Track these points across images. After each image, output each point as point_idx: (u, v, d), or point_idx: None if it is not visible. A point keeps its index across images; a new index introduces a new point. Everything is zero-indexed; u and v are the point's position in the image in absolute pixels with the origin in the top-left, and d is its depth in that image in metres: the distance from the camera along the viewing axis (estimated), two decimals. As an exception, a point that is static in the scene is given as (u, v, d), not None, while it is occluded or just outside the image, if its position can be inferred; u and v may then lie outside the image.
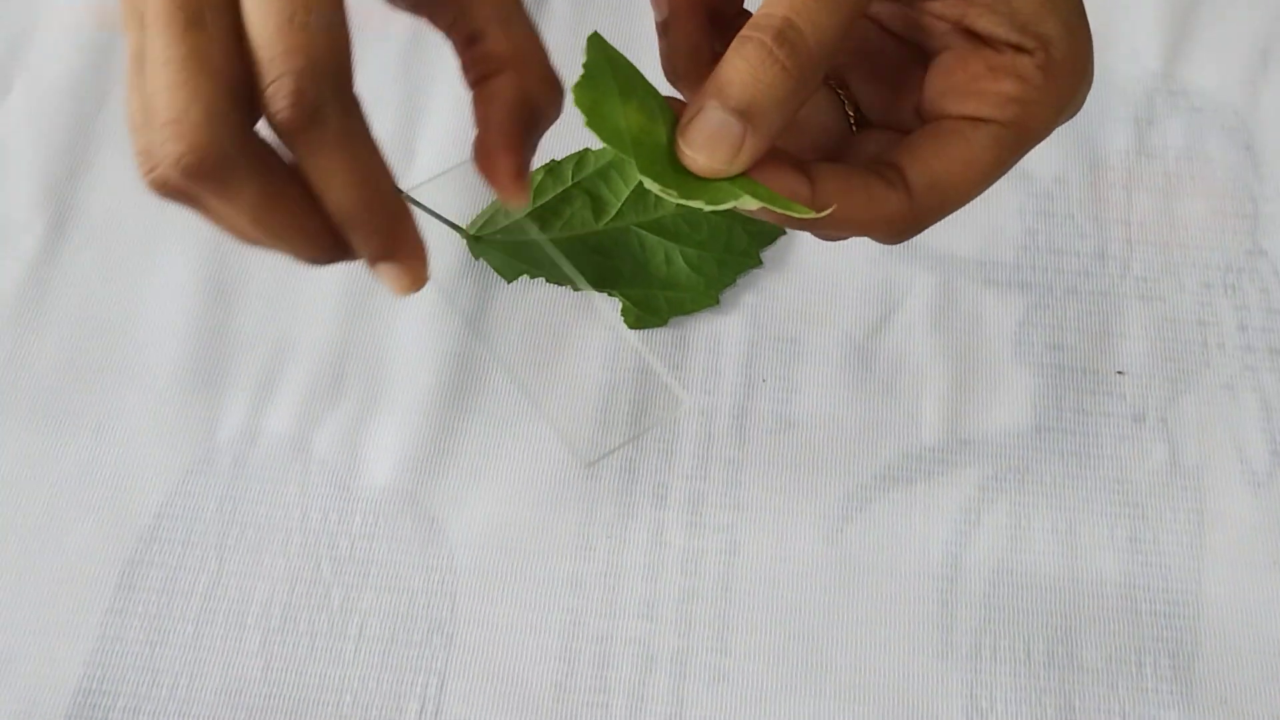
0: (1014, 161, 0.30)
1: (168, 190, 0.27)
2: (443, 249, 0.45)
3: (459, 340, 0.44)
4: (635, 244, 0.46)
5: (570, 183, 0.47)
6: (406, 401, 0.43)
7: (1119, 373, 0.44)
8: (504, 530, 0.41)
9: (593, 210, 0.46)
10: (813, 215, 0.28)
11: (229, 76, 0.26)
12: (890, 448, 0.43)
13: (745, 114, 0.28)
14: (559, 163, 0.47)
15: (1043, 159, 0.48)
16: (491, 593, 0.40)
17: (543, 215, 0.46)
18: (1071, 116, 0.31)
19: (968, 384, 0.44)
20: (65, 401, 0.43)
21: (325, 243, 0.28)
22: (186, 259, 0.45)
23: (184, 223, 0.45)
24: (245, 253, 0.45)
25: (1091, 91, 0.50)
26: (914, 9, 0.31)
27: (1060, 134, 0.48)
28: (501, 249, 0.45)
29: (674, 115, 0.30)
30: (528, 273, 0.45)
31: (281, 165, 0.27)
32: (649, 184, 0.28)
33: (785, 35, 0.27)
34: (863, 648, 0.40)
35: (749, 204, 0.28)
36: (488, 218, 0.45)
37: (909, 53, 0.32)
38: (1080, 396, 0.44)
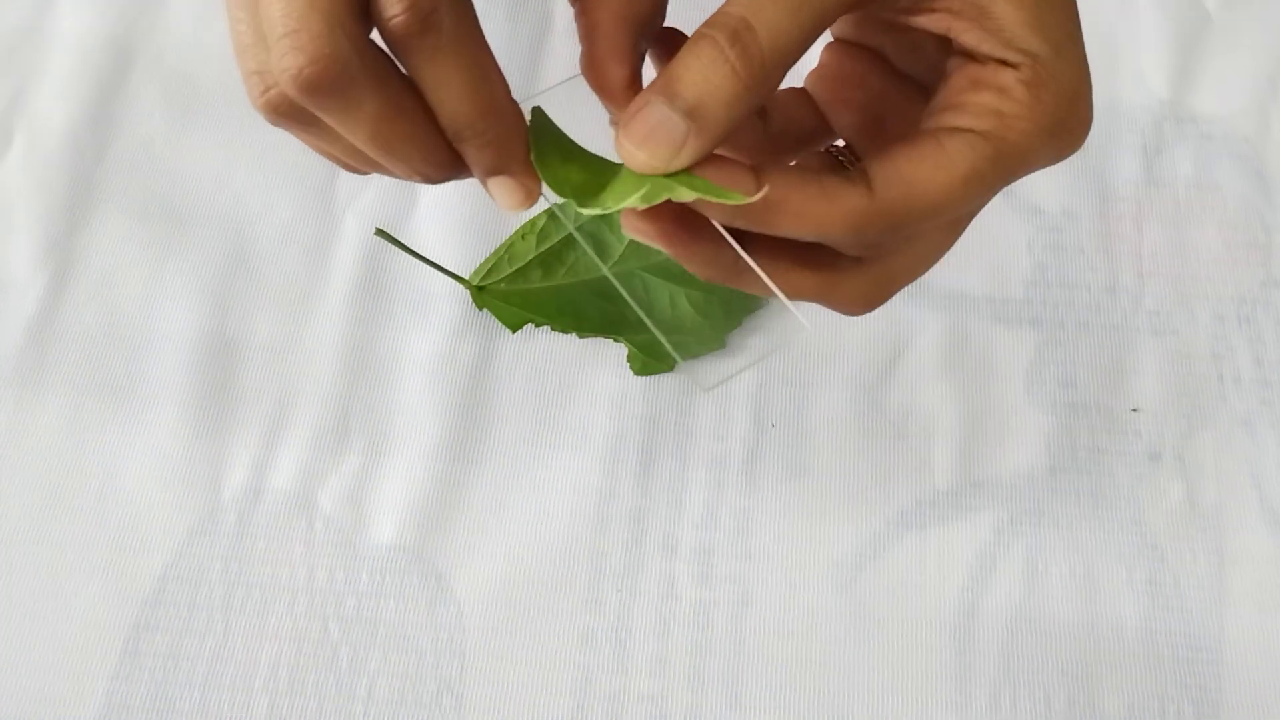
0: (994, 180, 0.29)
1: (283, 111, 0.26)
2: (442, 306, 0.45)
3: (463, 393, 0.43)
4: (640, 288, 0.45)
5: (574, 227, 0.46)
6: (411, 456, 0.42)
7: (1134, 410, 0.44)
8: (512, 586, 0.41)
9: (597, 254, 0.46)
10: (752, 199, 0.27)
11: None
12: (903, 492, 0.42)
13: (690, 113, 0.27)
14: (562, 206, 0.46)
15: (1051, 191, 0.47)
16: (501, 651, 0.40)
17: (547, 260, 0.46)
18: (1070, 149, 0.30)
19: (980, 425, 0.43)
20: (69, 462, 0.42)
21: (441, 158, 0.27)
22: (188, 313, 0.45)
23: (185, 276, 0.45)
24: (246, 306, 0.45)
25: (1098, 120, 0.49)
26: (901, 28, 0.30)
27: (1068, 165, 0.48)
28: (505, 299, 0.45)
29: (616, 168, 0.29)
30: (532, 321, 0.44)
31: (400, 76, 0.26)
32: (585, 211, 0.28)
33: (740, 36, 0.26)
34: (878, 701, 0.39)
35: (684, 195, 0.27)
36: (489, 267, 0.45)
37: (913, 98, 0.32)
38: (1095, 435, 0.43)
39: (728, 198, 0.27)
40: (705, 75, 0.27)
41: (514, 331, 0.44)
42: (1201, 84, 0.50)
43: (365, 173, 0.29)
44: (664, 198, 0.27)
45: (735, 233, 0.29)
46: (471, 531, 0.41)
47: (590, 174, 0.29)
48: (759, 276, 0.30)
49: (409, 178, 0.28)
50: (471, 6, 0.26)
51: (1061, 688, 0.39)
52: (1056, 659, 0.40)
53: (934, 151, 0.28)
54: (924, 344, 0.45)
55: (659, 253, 0.45)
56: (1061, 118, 0.29)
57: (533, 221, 0.46)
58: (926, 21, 0.29)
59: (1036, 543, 0.42)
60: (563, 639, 0.40)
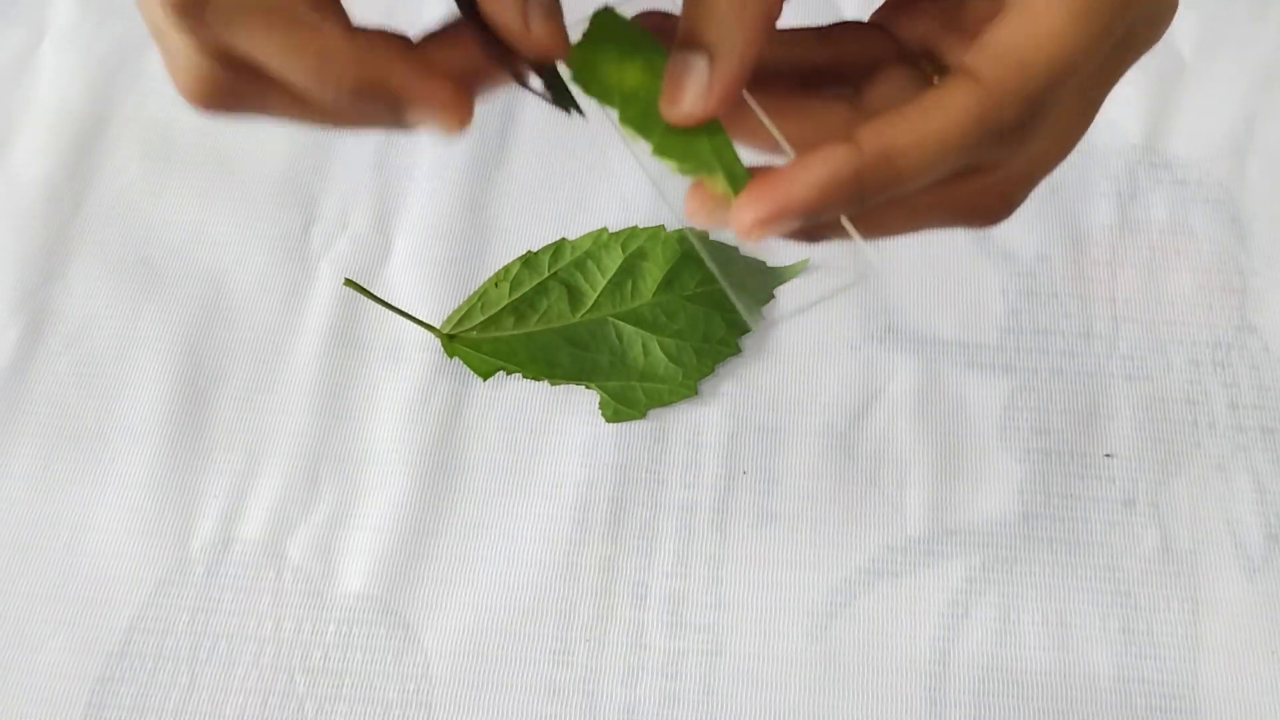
0: (1104, 10, 0.25)
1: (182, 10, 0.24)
2: (414, 354, 0.45)
3: (434, 441, 0.43)
4: (613, 335, 0.45)
5: (547, 274, 0.46)
6: (381, 505, 0.42)
7: (1107, 456, 0.43)
8: (480, 636, 0.40)
9: (569, 302, 0.46)
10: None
11: None
12: (875, 539, 0.42)
13: (703, 45, 0.25)
14: (536, 254, 0.47)
15: (1024, 237, 0.47)
16: (468, 702, 0.39)
17: (519, 308, 0.46)
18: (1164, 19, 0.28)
19: (953, 471, 0.43)
20: (38, 513, 0.42)
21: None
22: (161, 364, 0.45)
23: (159, 326, 0.45)
24: (219, 356, 0.45)
25: (1072, 164, 0.49)
26: None
27: (1041, 209, 0.48)
28: (477, 346, 0.45)
29: None
30: (504, 369, 0.44)
31: None
32: (626, 132, 0.27)
33: None
34: (848, 752, 0.39)
35: (718, 185, 0.26)
36: (462, 315, 0.45)
37: None
38: (1069, 481, 0.43)
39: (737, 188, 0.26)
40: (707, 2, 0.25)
41: (485, 379, 0.44)
42: (1176, 129, 0.50)
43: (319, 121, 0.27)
44: (698, 176, 0.27)
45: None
46: (440, 581, 0.41)
47: (650, 75, 0.27)
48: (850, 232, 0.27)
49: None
50: None
51: (1034, 738, 0.39)
52: (1030, 707, 0.39)
53: (1028, 6, 0.26)
54: (897, 389, 0.45)
55: (633, 300, 0.46)
56: None
57: (506, 269, 0.46)
58: None
59: (1009, 590, 0.41)
60: (531, 690, 0.39)
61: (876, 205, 0.26)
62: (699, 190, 0.27)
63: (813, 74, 0.30)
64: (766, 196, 0.25)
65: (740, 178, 0.27)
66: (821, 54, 0.30)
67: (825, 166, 0.25)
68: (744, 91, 0.27)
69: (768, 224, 0.25)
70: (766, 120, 0.28)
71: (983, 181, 0.28)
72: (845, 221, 0.27)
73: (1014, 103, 0.26)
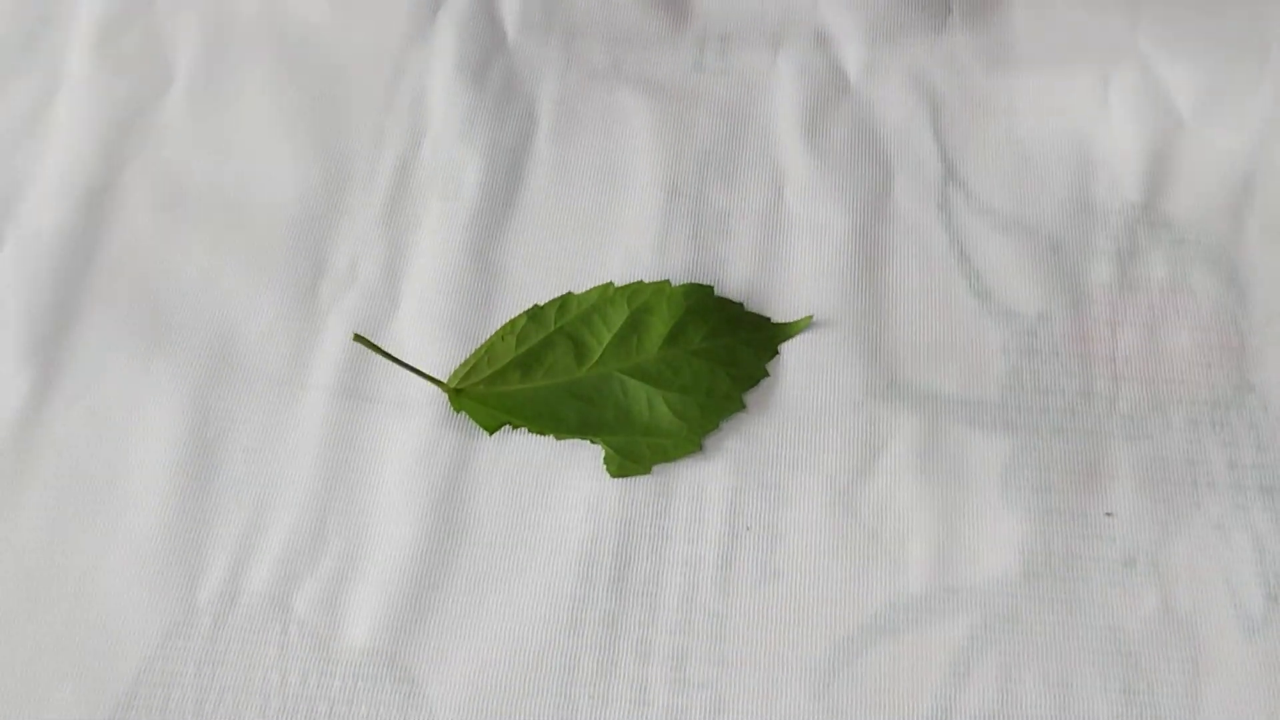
0: None
1: None
2: (421, 407, 0.45)
3: (440, 495, 0.44)
4: (618, 390, 0.46)
5: (553, 328, 0.47)
6: (387, 558, 0.43)
7: (1108, 515, 0.44)
8: (485, 690, 0.40)
9: (575, 356, 0.46)
10: None
11: None
12: (877, 597, 0.42)
13: None
14: (542, 308, 0.47)
15: (1026, 295, 0.48)
16: (471, 758, 0.39)
17: (526, 362, 0.46)
18: None
19: (955, 529, 0.44)
20: (46, 562, 0.42)
21: None
22: (170, 413, 0.45)
23: (169, 376, 0.46)
24: (228, 407, 0.45)
25: (1072, 223, 0.50)
26: None
27: (1042, 268, 0.48)
28: (483, 400, 0.45)
29: None
30: (510, 423, 0.45)
31: None
32: None
33: None
34: (850, 812, 0.39)
35: None
36: (469, 369, 0.46)
37: None
38: (1070, 541, 0.43)
39: None
40: None
41: (491, 434, 0.45)
42: (1175, 188, 0.51)
43: None
44: None
45: None
46: (446, 635, 0.41)
47: None
48: None
49: None
50: None
51: (1035, 800, 0.39)
52: (1031, 769, 0.40)
53: None
54: (899, 447, 0.45)
55: (638, 355, 0.46)
56: None
57: (513, 322, 0.47)
58: None
59: (1011, 649, 0.41)
60: (534, 746, 0.40)
61: None
62: None
63: None
64: None
65: None
66: None
67: None
68: None
69: None
70: None
71: None
72: None
73: None
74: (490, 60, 0.53)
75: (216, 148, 0.51)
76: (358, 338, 0.43)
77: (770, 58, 0.53)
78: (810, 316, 0.47)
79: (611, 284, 0.48)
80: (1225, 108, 0.52)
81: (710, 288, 0.48)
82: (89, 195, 0.49)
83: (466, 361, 0.46)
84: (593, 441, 0.45)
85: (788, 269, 0.49)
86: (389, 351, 0.46)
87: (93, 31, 0.53)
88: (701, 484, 0.44)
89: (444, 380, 0.46)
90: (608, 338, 0.47)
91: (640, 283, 0.48)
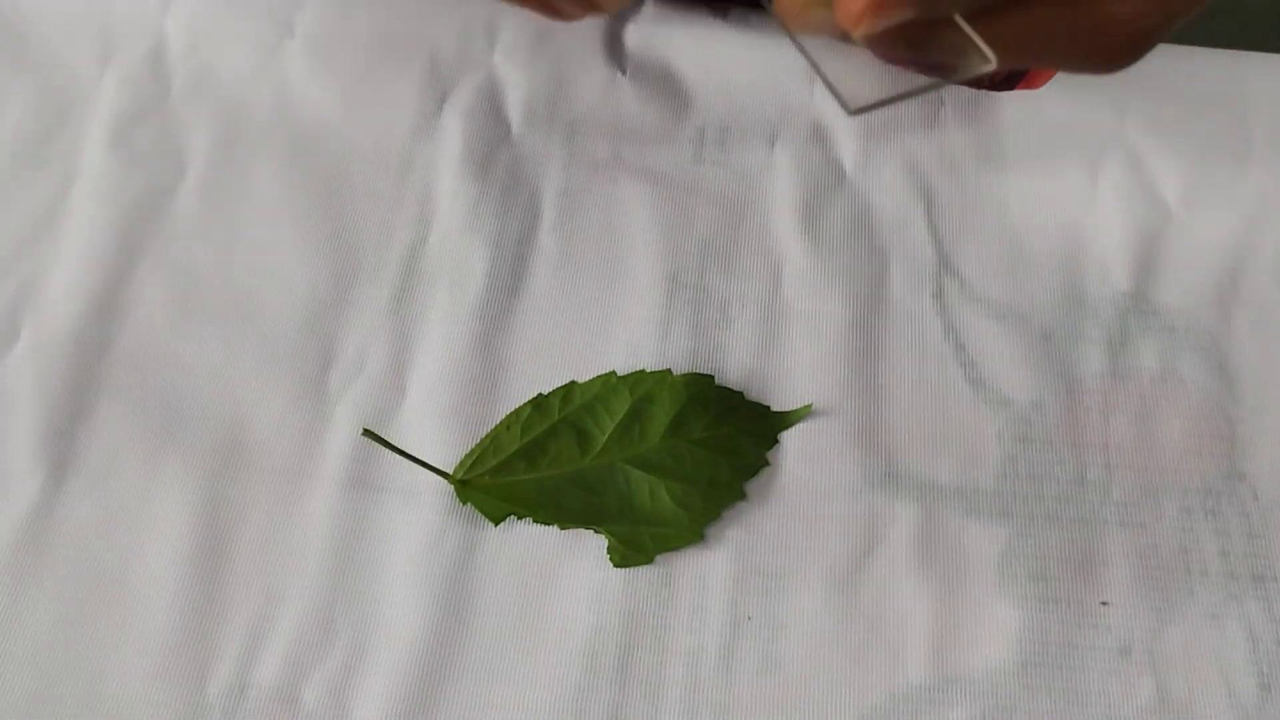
0: None
1: None
2: (428, 497, 0.46)
3: (447, 586, 0.44)
4: (621, 480, 0.47)
5: (557, 417, 0.48)
6: (394, 649, 0.43)
7: (1104, 604, 0.45)
8: (490, 784, 0.41)
9: (579, 445, 0.47)
10: None
11: None
12: (877, 688, 0.43)
13: None
14: (546, 397, 0.48)
15: (1019, 383, 0.49)
16: None
17: (530, 452, 0.47)
18: None
19: (953, 618, 0.44)
20: (59, 656, 0.43)
21: None
22: (182, 507, 0.46)
23: (180, 468, 0.47)
24: (238, 499, 0.46)
25: (1064, 312, 0.51)
26: None
27: (1035, 356, 0.50)
28: (488, 491, 0.46)
29: None
30: (515, 514, 0.46)
31: None
32: None
33: None
34: None
35: None
36: (474, 458, 0.47)
37: None
38: (1066, 630, 0.44)
39: None
40: None
41: (496, 524, 0.46)
42: (1163, 276, 0.52)
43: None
44: None
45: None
46: (451, 728, 0.42)
47: None
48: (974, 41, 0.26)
49: None
50: None
51: None
52: None
53: None
54: (897, 536, 0.46)
55: (640, 444, 0.47)
56: None
57: (517, 412, 0.48)
58: None
59: (1009, 739, 0.42)
60: (539, 839, 0.40)
61: (997, 10, 0.24)
62: None
63: None
64: None
65: None
66: None
67: None
68: None
69: (880, 10, 0.23)
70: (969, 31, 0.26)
71: (1116, 6, 0.26)
72: (960, 21, 0.25)
73: None
74: (495, 153, 0.54)
75: (227, 240, 0.52)
76: (366, 432, 0.44)
77: (768, 150, 0.54)
78: (809, 405, 0.48)
79: (614, 373, 0.49)
80: (1211, 198, 0.54)
81: (711, 377, 0.49)
82: (103, 288, 0.50)
83: (472, 451, 0.47)
84: (597, 531, 0.46)
85: (786, 357, 0.50)
86: (396, 444, 0.47)
87: (109, 125, 0.54)
88: (703, 574, 0.45)
89: (450, 471, 0.47)
90: (611, 427, 0.48)
91: (642, 372, 0.49)
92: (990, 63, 0.26)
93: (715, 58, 0.57)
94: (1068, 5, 0.26)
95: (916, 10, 0.24)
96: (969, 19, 0.25)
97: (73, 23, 0.57)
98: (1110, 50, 0.27)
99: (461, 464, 0.47)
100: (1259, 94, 0.56)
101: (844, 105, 0.27)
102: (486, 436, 0.47)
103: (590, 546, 0.46)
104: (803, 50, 0.29)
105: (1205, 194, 0.54)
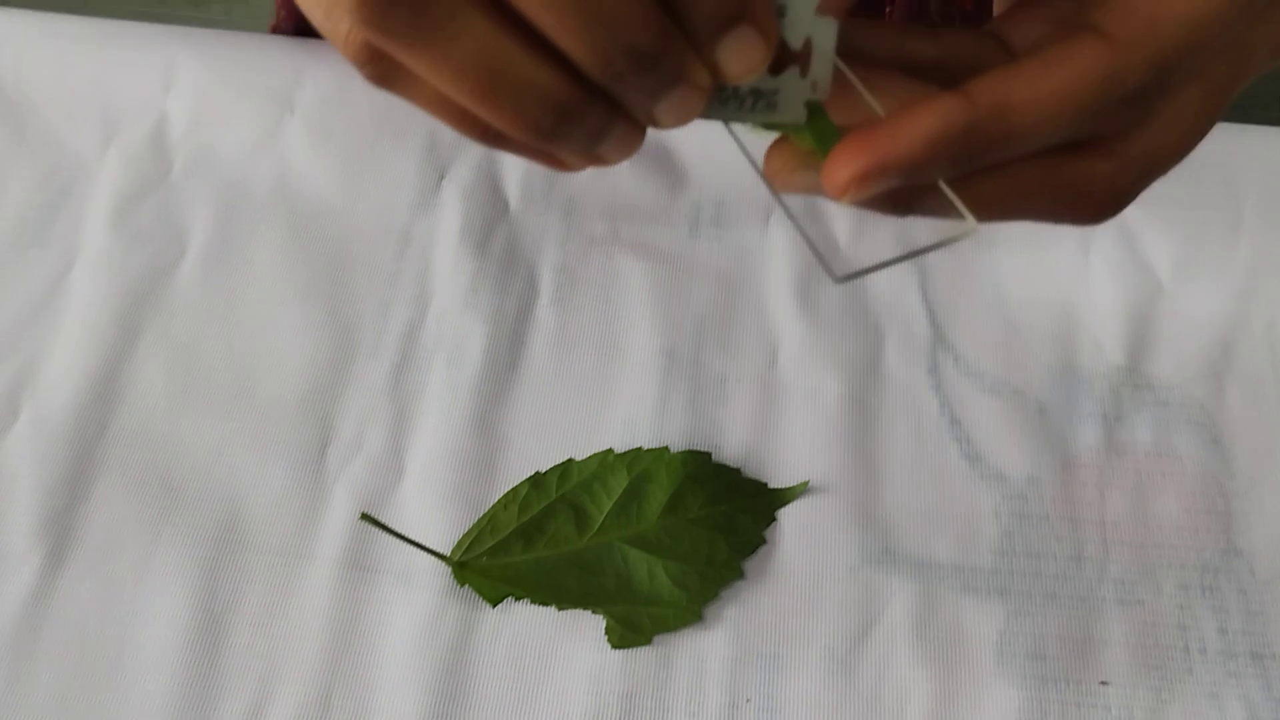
0: None
1: (365, 57, 0.23)
2: (425, 578, 0.46)
3: (444, 668, 0.44)
4: (619, 559, 0.47)
5: (555, 496, 0.48)
6: (392, 734, 0.43)
7: (1103, 683, 0.44)
8: None
9: (576, 525, 0.47)
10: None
11: None
12: (876, 770, 0.43)
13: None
14: (543, 475, 0.48)
15: (1015, 458, 0.49)
16: None
17: (528, 531, 0.47)
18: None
19: (951, 698, 0.44)
20: (55, 741, 0.43)
21: (565, 91, 0.23)
22: (179, 587, 0.46)
23: (178, 549, 0.47)
24: (235, 580, 0.46)
25: (1058, 386, 0.51)
26: None
27: (1029, 430, 0.50)
28: (486, 572, 0.46)
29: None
30: (512, 595, 0.46)
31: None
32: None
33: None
34: None
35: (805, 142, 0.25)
36: (472, 539, 0.47)
37: None
38: (1065, 709, 0.44)
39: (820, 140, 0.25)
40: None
41: (494, 606, 0.46)
42: (1156, 351, 0.52)
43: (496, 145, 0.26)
44: (783, 132, 0.25)
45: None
46: (449, 814, 0.42)
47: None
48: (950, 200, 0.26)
49: (526, 134, 0.24)
50: None
51: None
52: None
53: None
54: (894, 614, 0.46)
55: (638, 523, 0.47)
56: None
57: (515, 490, 0.48)
58: None
59: (1010, 822, 0.42)
60: None
61: (978, 172, 0.25)
62: (782, 148, 0.25)
63: (918, 72, 0.28)
64: (867, 149, 0.24)
65: (830, 135, 0.25)
66: (929, 52, 0.29)
67: (934, 118, 0.23)
68: (838, 60, 0.26)
69: (865, 181, 0.24)
70: (862, 89, 0.26)
71: (1094, 165, 0.27)
72: (944, 186, 0.25)
73: (1142, 65, 0.24)
74: (493, 229, 0.55)
75: (227, 318, 0.52)
76: (364, 516, 0.44)
77: (763, 226, 0.55)
78: (806, 482, 0.49)
79: (611, 451, 0.49)
80: (1203, 271, 0.54)
81: (708, 454, 0.49)
82: (103, 368, 0.51)
83: (470, 532, 0.47)
84: (594, 612, 0.46)
85: (783, 433, 0.50)
86: (394, 523, 0.47)
87: (110, 205, 0.55)
88: (701, 654, 0.45)
89: (448, 551, 0.47)
90: (608, 505, 0.48)
91: (639, 449, 0.49)
92: (973, 226, 0.27)
93: (710, 136, 0.57)
94: (1047, 166, 0.27)
95: (900, 180, 0.24)
96: (950, 183, 0.26)
97: (76, 102, 0.58)
98: (1091, 206, 0.28)
99: (459, 545, 0.47)
100: (1248, 166, 0.57)
101: (830, 273, 0.27)
102: (484, 516, 0.48)
103: (588, 627, 0.46)
104: (790, 215, 0.29)
105: (1196, 266, 0.54)
